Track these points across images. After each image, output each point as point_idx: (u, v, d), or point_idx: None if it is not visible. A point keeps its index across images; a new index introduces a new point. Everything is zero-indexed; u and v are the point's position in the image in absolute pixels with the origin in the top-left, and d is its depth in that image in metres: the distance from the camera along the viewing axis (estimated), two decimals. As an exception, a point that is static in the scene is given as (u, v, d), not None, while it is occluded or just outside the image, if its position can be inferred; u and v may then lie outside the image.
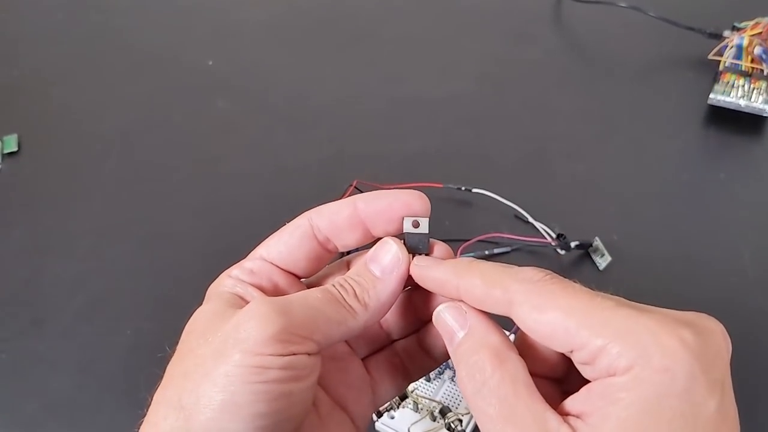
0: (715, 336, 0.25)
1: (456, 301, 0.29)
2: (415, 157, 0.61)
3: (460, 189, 0.56)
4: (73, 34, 0.77)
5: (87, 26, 0.78)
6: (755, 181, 0.58)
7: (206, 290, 0.31)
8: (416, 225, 0.30)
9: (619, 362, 0.24)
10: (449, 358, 0.32)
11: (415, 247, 0.30)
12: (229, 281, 0.31)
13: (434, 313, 0.29)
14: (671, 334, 0.24)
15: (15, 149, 0.65)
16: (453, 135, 0.64)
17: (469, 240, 0.52)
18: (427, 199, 0.30)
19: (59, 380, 0.49)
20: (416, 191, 0.30)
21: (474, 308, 0.29)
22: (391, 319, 0.33)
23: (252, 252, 0.31)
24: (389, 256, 0.30)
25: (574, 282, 0.27)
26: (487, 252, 0.52)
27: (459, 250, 0.51)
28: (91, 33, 0.77)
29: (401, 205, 0.30)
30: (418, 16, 0.76)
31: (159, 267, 0.55)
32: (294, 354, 0.26)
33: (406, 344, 0.33)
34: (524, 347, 0.28)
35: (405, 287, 0.31)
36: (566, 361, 0.27)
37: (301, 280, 0.32)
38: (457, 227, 0.53)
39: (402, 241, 0.30)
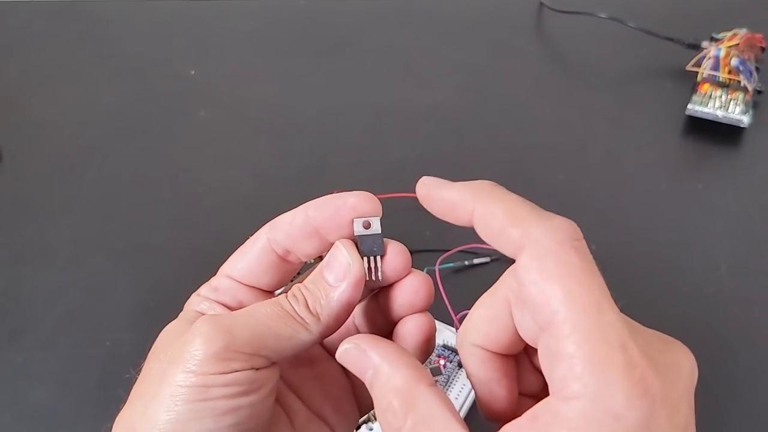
0: (682, 374, 0.23)
1: (354, 339, 0.27)
2: (396, 166, 0.62)
3: (440, 199, 0.56)
4: (54, 43, 0.77)
5: (68, 35, 0.78)
6: (732, 192, 0.58)
7: (185, 303, 0.31)
8: (367, 226, 0.28)
9: (572, 385, 0.22)
10: (428, 357, 0.31)
11: (369, 249, 0.29)
12: (196, 299, 0.30)
13: (336, 355, 0.28)
14: (639, 382, 0.22)
15: (-6, 159, 0.65)
16: (434, 144, 0.64)
17: (449, 250, 0.52)
18: (375, 198, 0.29)
19: (37, 392, 0.49)
20: (364, 192, 0.29)
21: (376, 343, 0.27)
22: (364, 324, 0.32)
23: (219, 269, 0.31)
24: (340, 261, 0.28)
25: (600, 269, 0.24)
26: (466, 263, 0.52)
27: (439, 260, 0.51)
28: (72, 42, 0.77)
29: (349, 209, 0.28)
30: (399, 26, 0.76)
31: (139, 278, 0.55)
32: (237, 371, 0.26)
33: None
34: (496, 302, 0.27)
35: (373, 290, 0.30)
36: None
37: (276, 292, 0.31)
38: (438, 237, 0.53)
39: (355, 244, 0.29)
